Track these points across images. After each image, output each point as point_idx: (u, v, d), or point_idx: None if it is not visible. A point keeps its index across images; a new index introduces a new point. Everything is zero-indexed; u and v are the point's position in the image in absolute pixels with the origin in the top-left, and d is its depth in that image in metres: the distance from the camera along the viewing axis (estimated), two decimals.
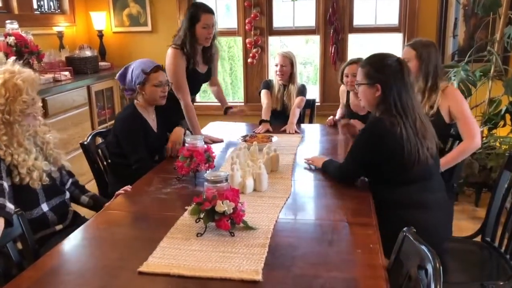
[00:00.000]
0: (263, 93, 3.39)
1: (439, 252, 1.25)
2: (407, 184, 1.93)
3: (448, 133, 2.51)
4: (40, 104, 1.93)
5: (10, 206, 1.65)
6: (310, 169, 2.32)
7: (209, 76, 3.10)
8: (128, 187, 2.07)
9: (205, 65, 2.98)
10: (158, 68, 2.48)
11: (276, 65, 3.34)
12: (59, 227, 1.96)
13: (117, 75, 2.59)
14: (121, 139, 2.43)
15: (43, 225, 1.92)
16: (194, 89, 3.04)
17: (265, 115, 3.21)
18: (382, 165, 1.93)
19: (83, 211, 2.18)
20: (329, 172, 2.19)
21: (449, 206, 2.24)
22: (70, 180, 2.14)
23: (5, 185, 1.72)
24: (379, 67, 1.96)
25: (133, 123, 2.44)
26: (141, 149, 2.41)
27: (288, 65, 3.31)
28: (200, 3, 2.90)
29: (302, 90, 3.37)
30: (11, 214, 1.61)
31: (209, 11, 2.80)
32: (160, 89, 2.47)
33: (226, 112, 3.22)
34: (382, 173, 1.96)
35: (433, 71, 2.43)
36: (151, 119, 2.55)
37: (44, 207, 1.92)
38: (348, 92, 3.21)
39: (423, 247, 1.28)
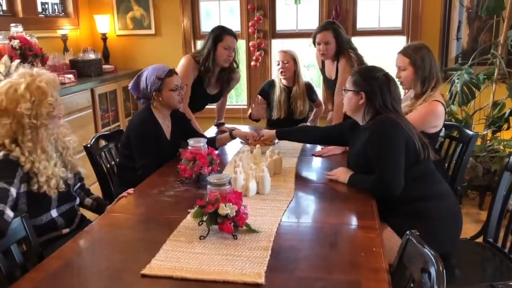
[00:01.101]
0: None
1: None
2: (423, 177, 1.99)
3: (436, 141, 2.50)
4: (62, 105, 1.92)
5: (9, 213, 1.60)
6: (313, 172, 2.32)
7: (219, 98, 3.14)
8: (130, 190, 2.08)
9: (217, 87, 3.03)
10: (172, 72, 2.48)
11: (278, 64, 3.21)
12: (65, 230, 1.96)
13: (130, 85, 2.57)
14: (132, 141, 2.42)
15: (51, 229, 1.91)
16: (198, 106, 3.06)
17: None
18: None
19: (89, 214, 2.19)
20: (364, 189, 2.02)
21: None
22: (79, 184, 2.14)
23: (12, 191, 1.70)
24: (366, 77, 2.06)
25: (147, 127, 2.43)
26: (149, 155, 2.39)
27: (290, 61, 3.18)
28: (224, 26, 2.96)
29: (311, 92, 3.30)
30: (7, 223, 1.57)
31: (232, 34, 2.90)
32: (177, 93, 2.46)
33: (217, 126, 3.24)
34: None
35: (429, 75, 2.39)
36: (166, 126, 2.54)
37: (54, 212, 1.91)
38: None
39: (426, 250, 1.28)
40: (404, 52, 2.47)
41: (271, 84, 3.36)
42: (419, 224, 1.79)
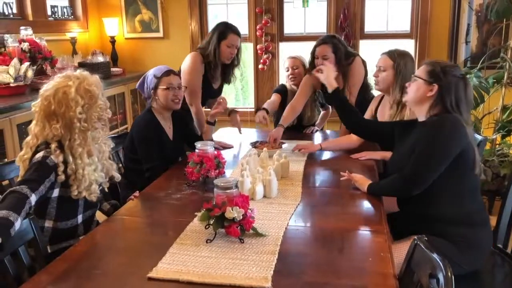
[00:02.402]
0: (274, 95, 3.25)
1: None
2: (472, 193, 1.89)
3: None
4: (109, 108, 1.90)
5: (17, 225, 1.50)
6: (321, 176, 2.31)
7: (220, 92, 3.14)
8: (136, 193, 2.08)
9: (220, 82, 3.04)
10: (170, 72, 2.50)
11: (287, 70, 3.20)
12: (83, 237, 1.94)
13: (138, 85, 2.64)
14: (137, 144, 2.43)
15: (71, 235, 1.88)
16: (203, 101, 3.06)
17: (266, 104, 3.11)
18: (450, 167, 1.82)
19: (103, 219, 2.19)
20: (386, 191, 1.99)
21: None
22: (101, 187, 2.12)
23: (32, 198, 1.59)
24: (446, 71, 1.89)
25: (149, 129, 2.45)
26: (155, 157, 2.40)
27: (300, 67, 3.16)
28: (228, 23, 2.96)
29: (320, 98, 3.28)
30: (9, 235, 1.48)
31: (236, 32, 2.91)
32: (172, 93, 2.46)
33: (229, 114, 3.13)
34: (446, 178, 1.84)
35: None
36: (168, 127, 2.55)
37: (79, 218, 1.89)
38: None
39: (434, 255, 1.27)
40: (390, 53, 2.46)
41: (284, 88, 3.31)
42: (457, 248, 1.78)
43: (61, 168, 1.72)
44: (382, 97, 2.68)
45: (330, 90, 2.52)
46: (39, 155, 1.70)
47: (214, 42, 2.86)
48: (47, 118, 1.75)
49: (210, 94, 3.07)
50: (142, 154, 2.42)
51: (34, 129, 1.79)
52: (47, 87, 1.78)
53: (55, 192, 1.76)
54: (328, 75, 2.54)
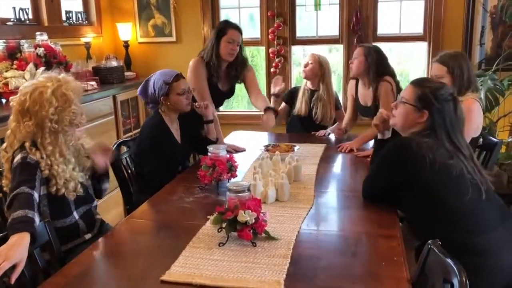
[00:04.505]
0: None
1: None
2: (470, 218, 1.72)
3: (476, 145, 2.43)
4: (84, 115, 1.94)
5: (37, 220, 1.60)
6: (334, 180, 2.29)
7: (232, 93, 3.12)
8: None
9: (228, 83, 3.02)
10: (179, 76, 2.50)
11: (306, 65, 3.24)
12: (88, 236, 1.97)
13: (139, 91, 2.60)
14: (143, 146, 2.45)
15: (75, 234, 1.93)
16: (215, 103, 3.04)
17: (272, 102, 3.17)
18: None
19: (108, 219, 2.21)
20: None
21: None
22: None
23: (36, 196, 1.70)
24: (437, 96, 1.81)
25: (159, 132, 2.46)
26: (157, 160, 2.40)
27: (315, 64, 3.18)
28: (229, 20, 2.97)
29: (337, 103, 3.35)
30: (35, 229, 1.57)
31: (236, 28, 2.88)
32: (184, 97, 2.48)
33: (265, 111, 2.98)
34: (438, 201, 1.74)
35: (467, 83, 2.35)
36: (174, 129, 2.56)
37: (76, 215, 1.94)
38: (357, 83, 3.05)
39: (448, 260, 1.25)
40: (442, 60, 2.40)
41: (296, 88, 3.42)
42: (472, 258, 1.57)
43: (42, 163, 1.78)
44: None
45: (380, 136, 2.21)
46: (18, 157, 1.77)
47: (213, 40, 2.85)
48: (21, 114, 1.81)
49: (220, 97, 3.06)
50: (145, 155, 2.43)
51: (10, 124, 1.85)
52: (27, 84, 1.85)
53: (42, 190, 1.81)
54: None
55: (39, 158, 1.78)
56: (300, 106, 3.31)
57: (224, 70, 2.96)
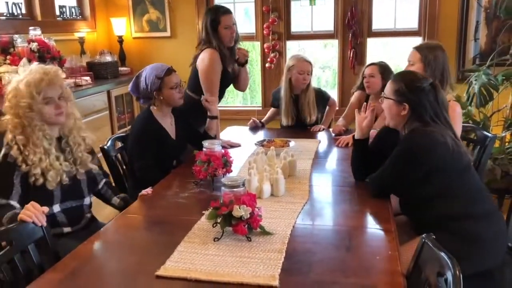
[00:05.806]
0: (270, 110, 3.54)
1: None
2: (470, 194, 1.87)
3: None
4: (63, 99, 1.92)
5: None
6: (328, 175, 2.30)
7: (235, 74, 3.08)
8: (149, 189, 2.09)
9: (231, 64, 2.99)
10: (170, 70, 2.49)
11: (302, 73, 3.15)
12: (67, 229, 1.96)
13: (129, 87, 2.57)
14: (133, 142, 2.45)
15: (51, 225, 1.87)
16: (222, 93, 3.03)
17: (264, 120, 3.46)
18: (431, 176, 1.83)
19: (101, 217, 2.21)
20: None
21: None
22: (104, 180, 2.16)
23: (13, 202, 1.78)
24: (413, 88, 1.89)
25: (147, 128, 2.45)
26: (148, 156, 2.39)
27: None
28: (215, 6, 2.93)
29: (321, 100, 3.30)
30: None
31: (226, 11, 2.85)
32: (177, 91, 2.48)
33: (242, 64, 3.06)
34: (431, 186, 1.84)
35: (440, 76, 2.33)
36: (168, 124, 2.55)
37: (56, 208, 1.92)
38: (367, 99, 3.04)
39: (442, 254, 1.26)
40: (419, 48, 2.44)
41: (276, 95, 3.37)
42: (466, 245, 1.76)
43: (19, 159, 1.82)
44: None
45: (357, 136, 2.19)
46: (1, 154, 1.83)
47: (211, 33, 2.82)
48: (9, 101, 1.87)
49: (229, 80, 3.03)
50: (135, 151, 2.43)
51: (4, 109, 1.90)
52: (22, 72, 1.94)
53: (25, 182, 1.83)
54: (366, 123, 2.19)
55: (16, 154, 1.81)
56: (286, 118, 3.25)
57: (229, 53, 2.94)
